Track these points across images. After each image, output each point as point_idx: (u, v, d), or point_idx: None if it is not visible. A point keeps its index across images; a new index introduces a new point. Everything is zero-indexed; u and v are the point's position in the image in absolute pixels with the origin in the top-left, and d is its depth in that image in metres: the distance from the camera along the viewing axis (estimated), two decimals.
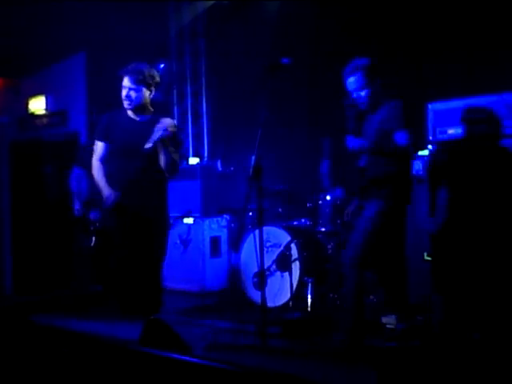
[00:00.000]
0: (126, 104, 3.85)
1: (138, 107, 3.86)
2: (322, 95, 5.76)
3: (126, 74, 3.80)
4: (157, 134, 3.57)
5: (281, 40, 6.06)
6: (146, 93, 3.85)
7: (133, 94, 3.81)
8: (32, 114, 7.92)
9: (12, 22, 6.26)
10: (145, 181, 3.79)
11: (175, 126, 3.79)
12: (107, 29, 6.37)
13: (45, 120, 7.92)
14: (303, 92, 6.11)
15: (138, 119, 3.92)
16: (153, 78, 3.87)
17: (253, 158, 3.57)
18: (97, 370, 2.29)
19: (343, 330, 3.80)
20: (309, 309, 4.83)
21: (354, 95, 3.75)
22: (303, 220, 5.49)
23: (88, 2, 5.95)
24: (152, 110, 3.97)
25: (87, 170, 5.52)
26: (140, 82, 3.79)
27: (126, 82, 3.81)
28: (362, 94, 3.73)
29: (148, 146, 3.57)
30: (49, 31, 6.40)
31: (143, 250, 3.82)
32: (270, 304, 4.66)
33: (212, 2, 7.29)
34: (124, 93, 3.82)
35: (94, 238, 5.42)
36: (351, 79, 3.72)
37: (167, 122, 3.64)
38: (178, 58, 7.87)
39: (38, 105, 7.89)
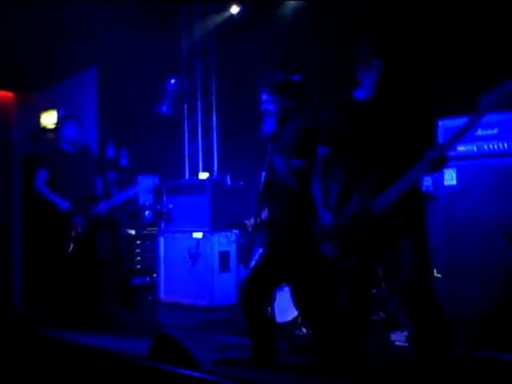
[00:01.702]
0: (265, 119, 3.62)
1: (278, 120, 3.57)
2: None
3: (261, 87, 3.61)
4: None
5: (292, 56, 6.10)
6: (286, 103, 3.57)
7: (269, 106, 3.58)
8: (44, 128, 7.98)
9: (24, 36, 6.34)
10: (275, 203, 3.63)
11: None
12: (118, 44, 6.42)
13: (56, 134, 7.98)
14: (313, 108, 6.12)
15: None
16: (290, 85, 3.61)
17: (263, 173, 3.57)
18: None
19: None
20: None
21: None
22: None
23: (100, 18, 6.01)
24: (295, 118, 3.61)
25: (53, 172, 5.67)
26: (274, 92, 3.56)
27: (263, 95, 3.61)
28: None
29: None
30: (61, 46, 6.46)
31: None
32: (278, 319, 4.65)
33: (223, 18, 7.37)
34: (262, 107, 3.62)
35: (72, 245, 5.46)
36: None
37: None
38: (189, 74, 7.93)
39: (49, 119, 7.95)
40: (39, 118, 8.03)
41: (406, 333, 4.24)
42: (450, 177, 4.16)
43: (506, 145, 3.97)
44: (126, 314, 5.74)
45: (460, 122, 4.25)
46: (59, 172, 5.67)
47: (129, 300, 6.50)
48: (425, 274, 2.95)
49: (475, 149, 4.06)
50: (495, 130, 4.03)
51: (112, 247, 5.73)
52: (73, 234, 5.46)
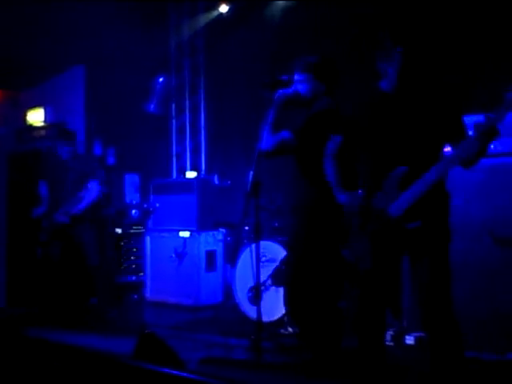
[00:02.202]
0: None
1: (309, 101, 3.53)
2: None
3: (293, 67, 3.56)
4: None
5: (280, 55, 6.09)
6: (317, 84, 3.51)
7: (300, 86, 3.51)
8: (30, 126, 7.92)
9: (12, 34, 6.30)
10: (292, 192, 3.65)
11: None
12: (107, 42, 6.40)
13: (43, 132, 7.93)
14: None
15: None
16: (322, 66, 3.52)
17: (250, 172, 3.56)
18: None
19: None
20: None
21: None
22: None
23: (88, 16, 5.99)
24: (325, 100, 3.49)
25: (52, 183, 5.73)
26: (305, 70, 3.50)
27: (295, 76, 3.55)
28: None
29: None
30: (48, 44, 6.43)
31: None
32: (264, 319, 4.64)
33: (212, 17, 7.36)
34: (294, 88, 3.53)
35: (39, 251, 5.50)
36: None
37: None
38: (177, 72, 7.91)
39: (36, 117, 7.89)
40: (25, 115, 7.98)
41: (391, 332, 4.25)
42: None
43: (492, 146, 3.98)
44: (114, 313, 5.72)
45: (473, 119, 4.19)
46: (57, 181, 5.70)
47: (115, 299, 6.47)
48: (443, 286, 2.81)
49: None
50: None
51: (100, 250, 5.70)
52: (40, 239, 5.52)
